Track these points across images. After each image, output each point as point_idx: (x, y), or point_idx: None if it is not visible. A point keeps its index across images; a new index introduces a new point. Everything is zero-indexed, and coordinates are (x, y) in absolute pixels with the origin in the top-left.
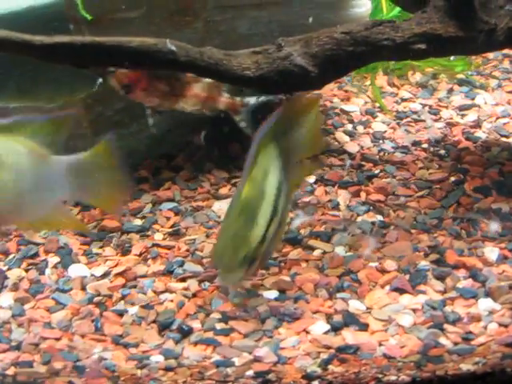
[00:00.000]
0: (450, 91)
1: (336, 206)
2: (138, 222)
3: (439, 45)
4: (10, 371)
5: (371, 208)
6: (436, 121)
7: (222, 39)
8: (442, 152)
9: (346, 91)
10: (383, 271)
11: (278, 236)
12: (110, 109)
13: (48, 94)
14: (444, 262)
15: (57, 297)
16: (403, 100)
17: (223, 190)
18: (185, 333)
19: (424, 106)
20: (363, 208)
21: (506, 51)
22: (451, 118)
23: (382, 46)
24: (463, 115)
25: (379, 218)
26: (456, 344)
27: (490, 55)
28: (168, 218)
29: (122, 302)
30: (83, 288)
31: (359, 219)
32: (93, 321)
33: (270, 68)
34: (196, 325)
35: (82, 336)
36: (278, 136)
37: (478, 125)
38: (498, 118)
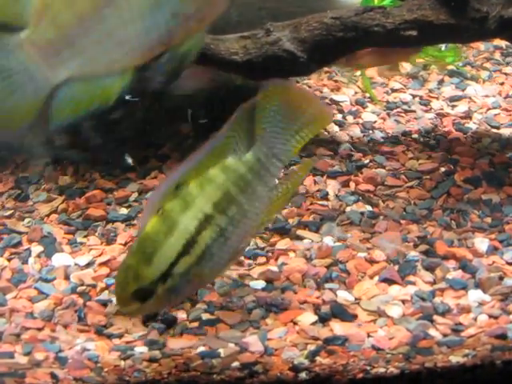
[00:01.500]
0: (441, 82)
1: (325, 196)
2: (123, 210)
3: (430, 32)
4: None
5: (360, 198)
6: (426, 111)
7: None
8: (433, 142)
9: (336, 81)
10: (372, 262)
11: (224, 255)
12: None
13: None
14: (433, 252)
15: (40, 286)
16: (393, 90)
17: None
18: (169, 323)
19: (414, 96)
20: (352, 198)
21: (496, 43)
22: (442, 109)
23: (372, 32)
24: (454, 106)
25: (368, 208)
26: (445, 335)
27: (481, 47)
28: None
29: (107, 291)
30: (67, 277)
31: (348, 209)
32: (76, 311)
33: (258, 53)
34: (181, 315)
35: (65, 326)
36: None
37: (468, 116)
38: (488, 109)
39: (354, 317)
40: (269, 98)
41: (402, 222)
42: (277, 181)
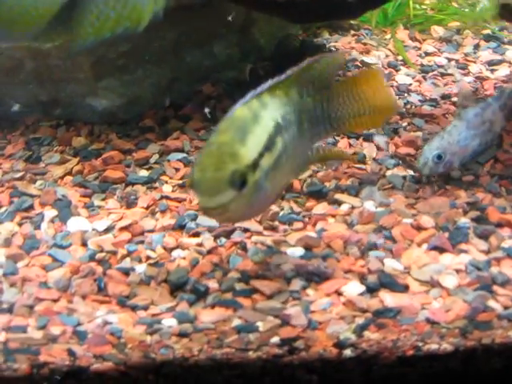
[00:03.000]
0: (477, 46)
1: (362, 159)
2: (143, 172)
3: None
4: (1, 337)
5: (400, 162)
6: (465, 75)
7: None
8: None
9: (365, 44)
10: (419, 228)
11: (279, 183)
12: (114, 51)
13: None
14: (486, 219)
15: (54, 253)
16: (427, 54)
17: None
18: (200, 294)
19: (450, 60)
20: (392, 161)
21: None
22: (481, 73)
23: None
24: (493, 70)
25: (410, 172)
26: (506, 308)
27: None
28: (177, 170)
29: (128, 259)
30: (84, 244)
31: (389, 173)
32: (95, 280)
33: None
34: (213, 285)
35: (83, 297)
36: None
37: (510, 79)
38: None
39: (405, 287)
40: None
41: (448, 187)
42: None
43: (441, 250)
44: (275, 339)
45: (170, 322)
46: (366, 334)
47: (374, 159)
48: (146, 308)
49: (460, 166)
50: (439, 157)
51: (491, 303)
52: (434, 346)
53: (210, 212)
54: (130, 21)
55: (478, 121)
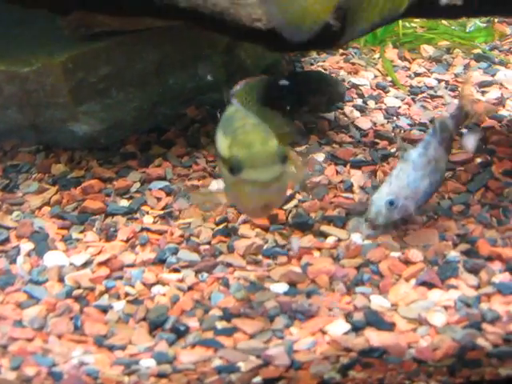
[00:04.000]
0: (467, 67)
1: (349, 188)
2: (124, 202)
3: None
4: None
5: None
6: (455, 97)
7: None
8: (465, 131)
9: (354, 64)
10: (407, 262)
11: None
12: (94, 75)
13: (24, 57)
14: (476, 253)
15: (30, 290)
16: (416, 74)
17: None
18: (180, 333)
19: (440, 81)
20: None
21: None
22: (471, 95)
23: None
24: (484, 92)
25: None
26: (496, 346)
27: (508, 30)
28: (159, 199)
29: (106, 295)
30: (61, 279)
31: None
32: (71, 318)
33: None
34: (193, 323)
35: (59, 336)
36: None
37: (501, 102)
38: None
39: (392, 325)
40: None
41: (438, 218)
42: None
43: (429, 285)
44: (257, 379)
45: (148, 363)
46: (351, 373)
47: (362, 188)
48: (123, 348)
49: (416, 209)
50: (391, 203)
51: (480, 341)
52: None
53: (259, 193)
54: (394, 4)
55: (423, 161)
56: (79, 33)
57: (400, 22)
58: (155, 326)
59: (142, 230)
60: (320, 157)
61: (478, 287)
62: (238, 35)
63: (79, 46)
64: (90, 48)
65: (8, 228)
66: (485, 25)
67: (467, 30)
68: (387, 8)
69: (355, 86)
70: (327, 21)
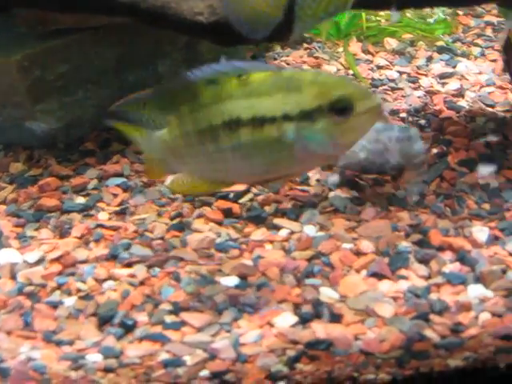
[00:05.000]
0: (430, 59)
1: (305, 181)
2: (80, 199)
3: None
4: None
5: (345, 183)
6: (415, 89)
7: None
8: (423, 122)
9: (317, 58)
10: (359, 253)
11: None
12: (51, 73)
13: None
14: (428, 243)
15: None
16: (379, 67)
17: None
18: (128, 327)
19: (401, 73)
20: (336, 182)
21: (488, 18)
22: (431, 87)
23: None
24: (444, 83)
25: (354, 193)
26: (443, 337)
27: (472, 23)
28: (115, 195)
29: (58, 292)
30: (13, 277)
31: (331, 194)
32: (22, 315)
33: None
34: (142, 318)
35: (8, 333)
36: None
37: (460, 94)
38: (482, 87)
39: (340, 317)
40: None
41: (391, 208)
42: None
43: (380, 276)
44: (205, 373)
45: (94, 357)
46: (299, 366)
47: (318, 180)
48: (71, 343)
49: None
50: None
51: (427, 332)
52: (370, 376)
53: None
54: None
55: (372, 135)
56: (36, 31)
57: (364, 15)
58: (104, 321)
59: (97, 226)
60: None
61: (428, 277)
62: (180, 29)
63: (35, 44)
64: (47, 46)
65: None
66: (448, 17)
67: (429, 23)
68: (333, 4)
69: None
70: (279, 17)
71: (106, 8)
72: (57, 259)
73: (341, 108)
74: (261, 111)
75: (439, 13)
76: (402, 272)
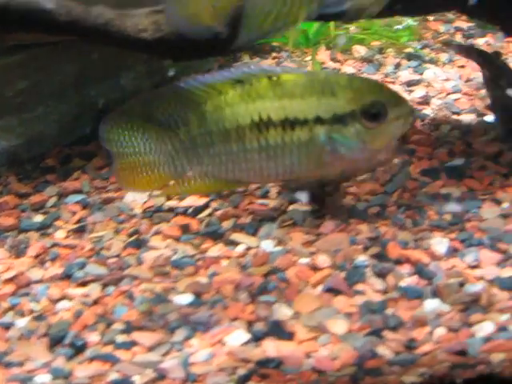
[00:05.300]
0: (398, 66)
1: (265, 194)
2: (39, 218)
3: None
4: None
5: (305, 195)
6: None
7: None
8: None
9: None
10: (315, 268)
11: None
12: (10, 89)
13: None
14: (385, 256)
15: None
16: None
17: None
18: (78, 348)
19: None
20: (295, 195)
21: (458, 24)
22: None
23: None
24: (411, 91)
25: (314, 206)
26: (397, 353)
27: (441, 28)
28: (74, 213)
29: (11, 312)
30: None
31: (290, 208)
32: None
33: (172, 30)
34: (94, 337)
35: None
36: None
37: (426, 101)
38: (448, 94)
39: (292, 334)
40: None
41: (351, 221)
42: None
43: (336, 291)
44: None
45: (43, 378)
46: None
47: (279, 193)
48: (21, 364)
49: None
50: None
51: (380, 349)
52: None
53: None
54: (289, 17)
55: None
56: None
57: (332, 23)
58: (55, 342)
59: (53, 245)
60: None
61: (384, 292)
62: (123, 46)
63: None
64: (5, 62)
65: None
66: (416, 23)
67: (395, 29)
68: (282, 20)
69: None
70: (218, 30)
71: (43, 27)
72: (11, 279)
73: (374, 113)
74: (293, 113)
75: (408, 20)
76: (359, 287)
